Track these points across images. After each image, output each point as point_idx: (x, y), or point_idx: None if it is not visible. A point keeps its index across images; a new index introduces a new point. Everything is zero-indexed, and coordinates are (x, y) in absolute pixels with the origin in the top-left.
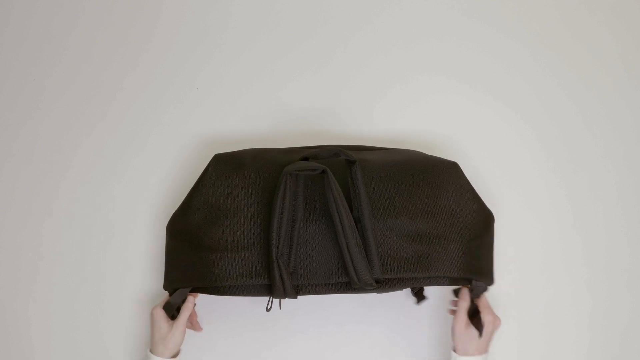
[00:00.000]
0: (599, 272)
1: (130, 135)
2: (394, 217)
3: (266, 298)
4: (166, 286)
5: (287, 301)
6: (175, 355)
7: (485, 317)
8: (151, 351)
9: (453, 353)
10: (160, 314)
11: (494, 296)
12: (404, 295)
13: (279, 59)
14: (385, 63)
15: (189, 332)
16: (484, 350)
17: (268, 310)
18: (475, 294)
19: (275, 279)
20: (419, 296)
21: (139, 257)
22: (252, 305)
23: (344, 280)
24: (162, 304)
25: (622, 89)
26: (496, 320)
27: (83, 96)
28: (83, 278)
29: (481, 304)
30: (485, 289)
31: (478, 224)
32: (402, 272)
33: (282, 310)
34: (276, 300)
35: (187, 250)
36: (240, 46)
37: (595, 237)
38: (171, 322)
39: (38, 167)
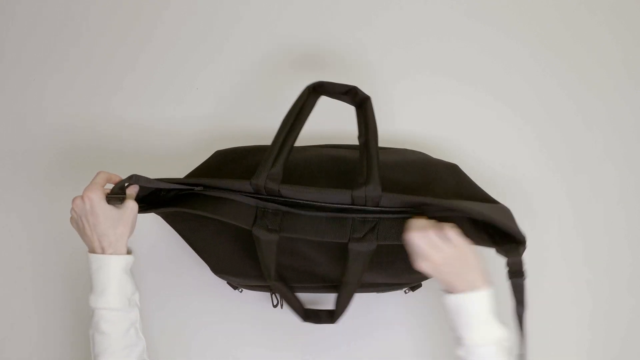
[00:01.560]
0: (600, 272)
1: (130, 134)
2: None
3: (265, 298)
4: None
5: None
6: (129, 251)
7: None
8: (94, 251)
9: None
10: (99, 195)
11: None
12: (404, 295)
13: (279, 59)
14: (385, 63)
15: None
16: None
17: (275, 306)
18: (513, 263)
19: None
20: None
21: (137, 253)
22: (251, 304)
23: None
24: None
25: (622, 89)
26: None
27: (83, 96)
28: (83, 278)
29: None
30: (522, 271)
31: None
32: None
33: (282, 310)
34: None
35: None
36: (240, 46)
37: (596, 237)
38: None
39: (38, 168)
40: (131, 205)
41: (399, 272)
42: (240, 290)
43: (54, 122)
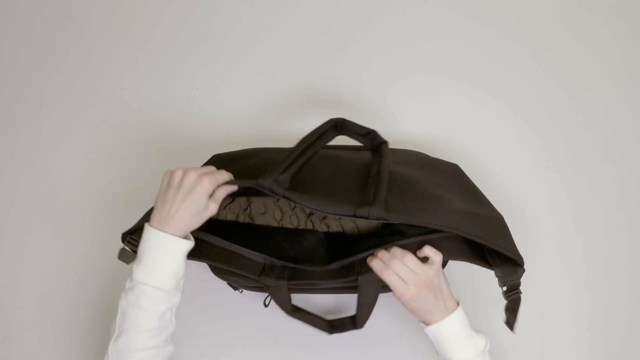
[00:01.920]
0: (599, 272)
1: (130, 135)
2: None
3: (263, 296)
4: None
5: None
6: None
7: (427, 250)
8: (161, 228)
9: (421, 324)
10: (210, 191)
11: (494, 297)
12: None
13: (280, 60)
14: (386, 63)
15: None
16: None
17: (266, 305)
18: (509, 280)
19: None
20: None
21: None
22: (251, 303)
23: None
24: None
25: (622, 89)
26: (438, 254)
27: (83, 96)
28: (83, 278)
29: (432, 260)
30: (518, 293)
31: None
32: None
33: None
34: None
35: None
36: (241, 46)
37: (596, 237)
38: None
39: (39, 167)
40: (213, 208)
41: None
42: (240, 290)
43: (55, 122)
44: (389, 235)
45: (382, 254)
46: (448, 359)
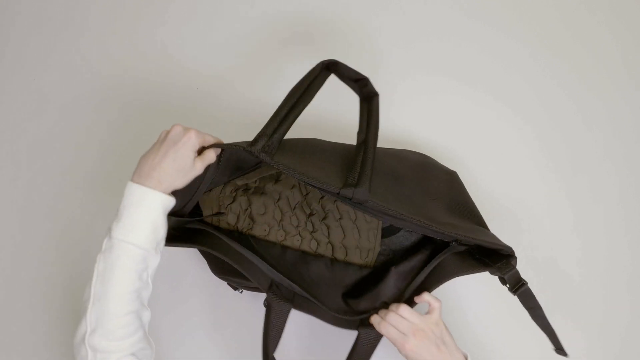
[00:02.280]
0: (599, 272)
1: (131, 134)
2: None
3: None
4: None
5: None
6: (166, 191)
7: (426, 297)
8: (142, 182)
9: None
10: (196, 147)
11: (494, 297)
12: None
13: (280, 60)
14: (386, 63)
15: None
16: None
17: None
18: (510, 277)
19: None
20: None
21: None
22: (251, 305)
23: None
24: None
25: (622, 89)
26: (437, 300)
27: (83, 96)
28: (83, 279)
29: (433, 309)
30: (524, 283)
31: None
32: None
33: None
34: None
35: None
36: (241, 46)
37: (596, 237)
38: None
39: (39, 167)
40: (199, 167)
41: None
42: (240, 291)
43: (55, 122)
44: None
45: (381, 310)
46: None
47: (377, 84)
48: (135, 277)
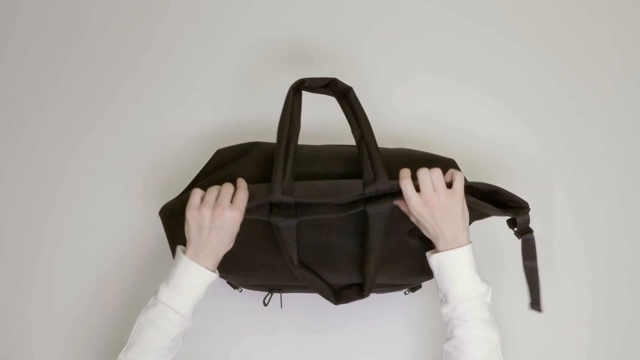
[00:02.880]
0: (600, 272)
1: (131, 134)
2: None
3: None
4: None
5: (286, 299)
6: (215, 267)
7: (454, 175)
8: (195, 259)
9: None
10: (240, 220)
11: (494, 297)
12: (404, 296)
13: (280, 60)
14: (386, 63)
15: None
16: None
17: (266, 304)
18: (521, 229)
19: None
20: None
21: (140, 257)
22: (251, 303)
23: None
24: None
25: (622, 89)
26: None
27: (84, 96)
28: (83, 278)
29: (456, 178)
30: (530, 232)
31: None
32: None
33: (281, 311)
34: (276, 298)
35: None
36: (241, 46)
37: (596, 237)
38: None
39: (39, 167)
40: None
41: (401, 274)
42: (240, 289)
43: (55, 122)
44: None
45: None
46: (445, 293)
47: (378, 85)
48: (168, 338)
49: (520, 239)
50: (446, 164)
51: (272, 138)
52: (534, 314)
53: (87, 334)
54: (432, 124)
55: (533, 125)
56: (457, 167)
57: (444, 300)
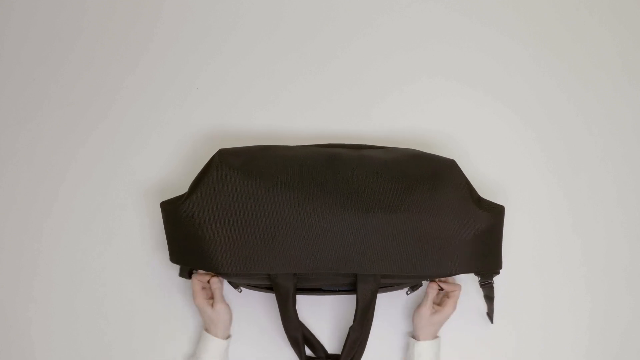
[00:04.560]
0: (599, 272)
1: (131, 134)
2: (393, 214)
3: (264, 297)
4: (172, 260)
5: None
6: (227, 337)
7: (448, 309)
8: (206, 330)
9: (412, 339)
10: (201, 302)
11: (495, 296)
12: (402, 297)
13: (280, 60)
14: (386, 64)
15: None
16: (436, 334)
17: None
18: (485, 286)
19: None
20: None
21: (141, 256)
22: (249, 301)
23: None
24: (193, 289)
25: (622, 90)
26: (454, 310)
27: (84, 96)
28: (83, 278)
29: (452, 295)
30: (491, 282)
31: (481, 220)
32: (401, 271)
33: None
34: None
35: (185, 236)
36: (241, 46)
37: (595, 237)
38: (211, 303)
39: (39, 167)
40: (218, 308)
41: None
42: (239, 289)
43: (55, 122)
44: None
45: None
46: None
47: (380, 86)
48: None
49: (481, 287)
50: (447, 164)
51: (272, 138)
52: (533, 314)
53: (87, 334)
54: (431, 124)
55: (533, 126)
56: (457, 167)
57: None
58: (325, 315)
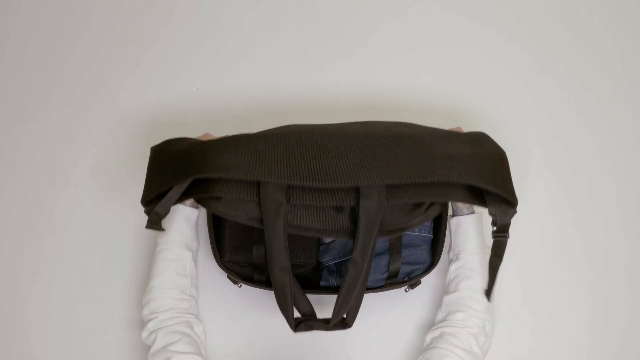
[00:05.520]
0: (599, 271)
1: (132, 134)
2: (395, 135)
3: (264, 294)
4: (146, 195)
5: None
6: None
7: None
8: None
9: (454, 218)
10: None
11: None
12: (402, 297)
13: (280, 60)
14: (389, 65)
15: None
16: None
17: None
18: (500, 219)
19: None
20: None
21: (141, 256)
22: (249, 298)
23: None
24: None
25: (621, 90)
26: None
27: (85, 98)
28: (84, 279)
29: None
30: (505, 236)
31: (486, 143)
32: (406, 178)
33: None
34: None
35: (173, 155)
36: (241, 46)
37: (595, 237)
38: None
39: (39, 168)
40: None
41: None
42: (239, 285)
43: (55, 122)
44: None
45: None
46: (458, 251)
47: (380, 86)
48: (171, 267)
49: (493, 239)
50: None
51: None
52: (533, 314)
53: (87, 334)
54: (432, 123)
55: (533, 126)
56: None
57: (455, 258)
58: (325, 315)
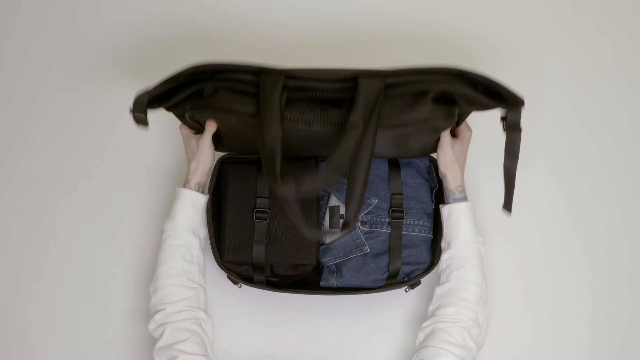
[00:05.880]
0: (599, 271)
1: (131, 134)
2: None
3: (263, 294)
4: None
5: (287, 297)
6: (203, 190)
7: (465, 133)
8: (185, 185)
9: (445, 206)
10: (187, 131)
11: (493, 296)
12: (402, 297)
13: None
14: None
15: None
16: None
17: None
18: (511, 123)
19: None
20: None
21: (142, 256)
22: (249, 298)
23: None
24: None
25: (621, 90)
26: (470, 132)
27: (84, 95)
28: (84, 279)
29: (463, 136)
30: (519, 127)
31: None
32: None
33: (280, 309)
34: (275, 296)
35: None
36: (241, 46)
37: (595, 237)
38: (198, 138)
39: (39, 168)
40: (205, 141)
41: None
42: (239, 285)
43: (55, 122)
44: None
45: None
46: (449, 240)
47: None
48: (177, 253)
49: (505, 134)
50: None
51: None
52: (533, 314)
53: (87, 334)
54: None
55: (533, 126)
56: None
57: (446, 247)
58: (325, 315)
